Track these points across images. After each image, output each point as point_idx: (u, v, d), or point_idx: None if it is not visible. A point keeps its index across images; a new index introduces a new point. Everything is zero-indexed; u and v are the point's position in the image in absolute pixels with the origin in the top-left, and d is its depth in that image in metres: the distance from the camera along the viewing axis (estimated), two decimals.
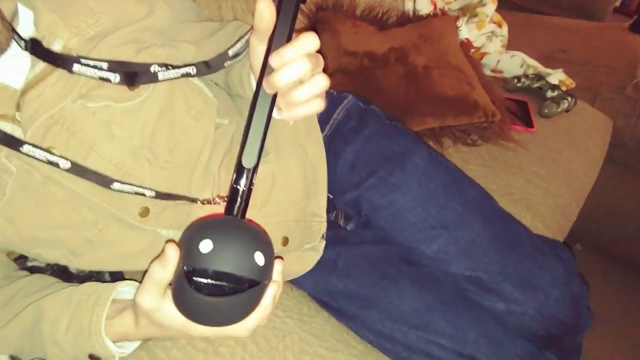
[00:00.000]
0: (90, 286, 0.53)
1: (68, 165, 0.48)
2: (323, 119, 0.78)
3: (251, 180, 0.47)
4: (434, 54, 1.04)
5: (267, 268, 0.45)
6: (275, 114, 0.48)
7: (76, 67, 0.47)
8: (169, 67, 0.53)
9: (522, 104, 1.18)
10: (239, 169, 0.47)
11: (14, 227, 0.49)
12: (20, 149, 0.46)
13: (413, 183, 0.72)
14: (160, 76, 0.52)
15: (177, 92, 0.55)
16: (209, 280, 0.42)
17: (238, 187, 0.46)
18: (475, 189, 0.76)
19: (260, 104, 0.46)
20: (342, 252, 0.74)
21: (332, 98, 0.81)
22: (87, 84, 0.49)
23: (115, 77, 0.49)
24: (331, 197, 0.74)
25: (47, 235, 0.51)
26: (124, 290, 0.53)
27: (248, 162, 0.46)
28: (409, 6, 1.31)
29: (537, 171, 0.98)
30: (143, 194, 0.52)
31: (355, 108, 0.81)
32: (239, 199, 0.47)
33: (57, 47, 0.48)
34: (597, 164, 1.11)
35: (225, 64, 0.59)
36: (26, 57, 0.48)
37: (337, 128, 0.78)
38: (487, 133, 1.00)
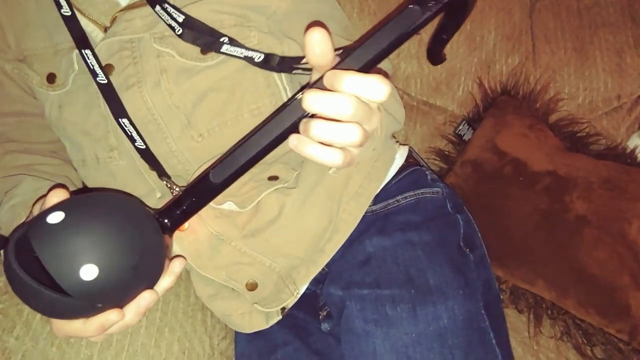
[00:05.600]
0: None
1: (104, 81, 0.51)
2: (387, 192, 0.61)
3: (206, 198, 0.40)
4: (606, 210, 0.71)
5: (98, 289, 0.35)
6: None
7: (157, 8, 0.50)
8: (238, 44, 0.51)
9: None
10: (203, 178, 0.39)
11: (59, 113, 0.55)
12: (84, 50, 0.51)
13: (409, 337, 0.49)
14: (224, 48, 0.50)
15: (249, 79, 0.53)
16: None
17: (187, 196, 0.40)
18: None
19: (268, 128, 0.36)
20: (291, 345, 0.57)
21: (419, 178, 0.63)
22: (168, 28, 0.51)
23: (178, 29, 0.50)
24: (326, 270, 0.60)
25: (74, 134, 0.55)
26: None
27: (216, 176, 0.38)
28: (633, 143, 0.95)
29: None
30: (134, 140, 0.52)
31: (433, 205, 0.61)
32: (176, 208, 0.40)
33: None
34: None
35: (295, 66, 0.53)
36: None
37: (392, 212, 0.60)
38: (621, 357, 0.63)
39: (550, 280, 0.68)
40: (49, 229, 0.34)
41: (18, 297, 0.36)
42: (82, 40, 0.52)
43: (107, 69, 0.52)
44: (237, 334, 0.64)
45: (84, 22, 0.53)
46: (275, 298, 0.58)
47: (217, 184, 0.38)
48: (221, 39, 0.50)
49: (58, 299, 0.34)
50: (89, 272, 0.34)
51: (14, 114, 0.58)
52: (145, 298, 0.38)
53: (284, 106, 0.36)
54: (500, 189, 0.76)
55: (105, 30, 0.53)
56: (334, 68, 0.33)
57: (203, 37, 0.50)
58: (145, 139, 0.52)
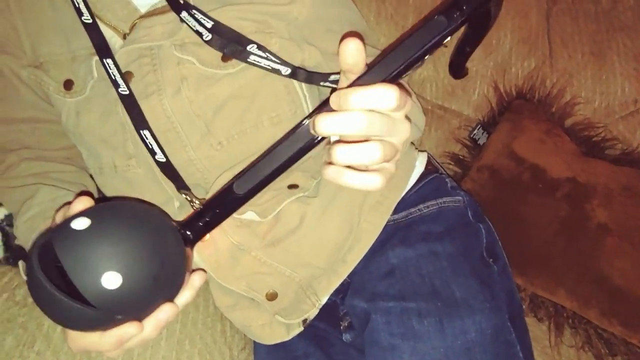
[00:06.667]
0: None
1: (126, 92, 0.50)
2: (408, 201, 0.60)
3: (229, 210, 0.39)
4: (627, 218, 0.70)
5: (119, 298, 0.34)
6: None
7: (184, 14, 0.49)
8: (266, 54, 0.50)
9: None
10: (226, 189, 0.38)
11: (76, 120, 0.54)
12: (105, 59, 0.50)
13: (437, 352, 0.48)
14: (251, 58, 0.49)
15: (269, 86, 0.52)
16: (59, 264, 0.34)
17: (209, 208, 0.40)
18: None
19: (294, 139, 0.36)
20: (312, 357, 0.57)
21: (440, 186, 0.63)
22: (189, 36, 0.50)
23: (207, 35, 0.49)
24: (347, 280, 0.59)
25: (91, 142, 0.54)
26: None
27: (240, 188, 0.38)
28: None
29: None
30: (154, 153, 0.51)
31: (454, 214, 0.60)
32: (199, 220, 0.39)
33: None
34: None
35: (322, 83, 0.53)
36: None
37: (415, 222, 0.59)
38: None
39: (571, 289, 0.67)
40: (73, 235, 0.34)
41: (36, 304, 0.35)
42: (103, 49, 0.50)
43: (126, 77, 0.51)
44: (256, 344, 0.63)
45: (102, 29, 0.52)
46: (296, 309, 0.57)
47: (240, 196, 0.38)
48: (249, 47, 0.49)
49: (77, 308, 0.33)
50: (111, 280, 0.33)
51: (29, 120, 0.57)
52: (164, 311, 0.37)
53: (309, 117, 0.35)
54: (518, 196, 0.76)
55: (125, 37, 0.52)
56: (351, 85, 0.32)
57: (231, 45, 0.49)
58: (164, 148, 0.52)
